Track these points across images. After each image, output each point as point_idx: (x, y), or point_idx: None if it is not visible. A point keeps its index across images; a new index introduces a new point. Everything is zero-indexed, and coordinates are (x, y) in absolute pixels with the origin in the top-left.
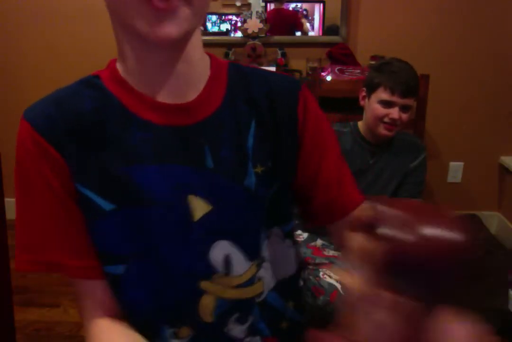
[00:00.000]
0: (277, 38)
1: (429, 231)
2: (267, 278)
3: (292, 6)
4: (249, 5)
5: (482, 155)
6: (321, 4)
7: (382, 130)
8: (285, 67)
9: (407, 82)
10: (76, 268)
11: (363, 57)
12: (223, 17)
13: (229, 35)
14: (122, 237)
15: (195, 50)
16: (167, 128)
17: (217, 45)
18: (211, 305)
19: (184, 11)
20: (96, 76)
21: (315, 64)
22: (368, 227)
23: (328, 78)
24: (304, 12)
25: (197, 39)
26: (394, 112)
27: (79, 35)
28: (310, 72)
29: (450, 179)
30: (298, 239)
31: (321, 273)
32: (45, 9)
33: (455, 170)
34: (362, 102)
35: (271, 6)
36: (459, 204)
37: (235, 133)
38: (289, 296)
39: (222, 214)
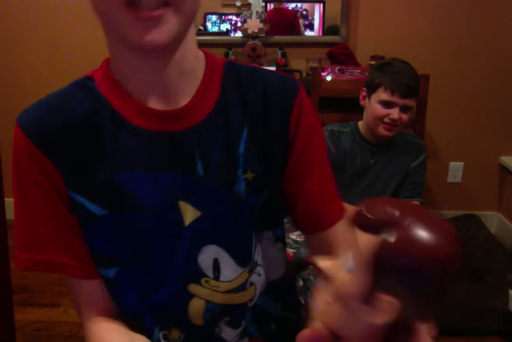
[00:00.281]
0: (277, 38)
1: (416, 232)
2: (259, 282)
3: (292, 6)
4: (249, 5)
5: (482, 155)
6: (321, 4)
7: (382, 130)
8: (285, 67)
9: (408, 82)
10: (75, 267)
11: (363, 57)
12: (223, 17)
13: (229, 35)
14: (114, 241)
15: (188, 54)
16: (158, 135)
17: (217, 45)
18: (201, 308)
19: (171, 19)
20: (90, 78)
21: (315, 64)
22: (360, 226)
23: (328, 78)
24: (304, 12)
25: (190, 41)
26: (394, 113)
27: (79, 35)
28: (310, 72)
29: (450, 179)
30: (299, 239)
31: None
32: (45, 9)
33: (455, 170)
34: (362, 102)
35: (271, 6)
36: (459, 204)
37: (227, 139)
38: (278, 297)
39: (211, 219)
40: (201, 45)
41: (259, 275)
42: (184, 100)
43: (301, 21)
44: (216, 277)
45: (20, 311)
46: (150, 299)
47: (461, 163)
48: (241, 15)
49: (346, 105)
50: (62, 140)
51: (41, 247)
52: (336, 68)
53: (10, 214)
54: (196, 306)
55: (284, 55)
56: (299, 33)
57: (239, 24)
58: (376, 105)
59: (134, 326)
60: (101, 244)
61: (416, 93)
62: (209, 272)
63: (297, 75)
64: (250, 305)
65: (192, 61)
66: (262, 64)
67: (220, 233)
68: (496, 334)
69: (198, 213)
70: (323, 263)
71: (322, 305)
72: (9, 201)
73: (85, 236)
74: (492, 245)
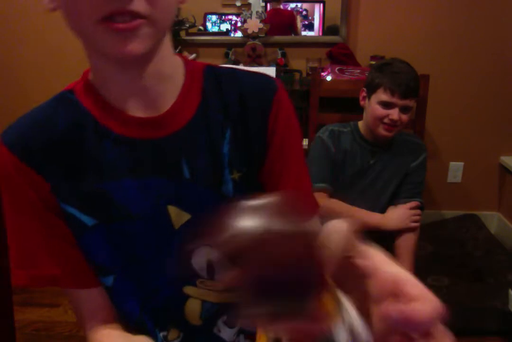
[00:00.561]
0: (277, 38)
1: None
2: None
3: (292, 6)
4: (249, 5)
5: (482, 155)
6: (321, 4)
7: (381, 130)
8: (285, 67)
9: (407, 83)
10: (71, 279)
11: (363, 57)
12: (223, 17)
13: (229, 35)
14: (107, 250)
15: (164, 61)
16: (141, 142)
17: (217, 45)
18: (197, 309)
19: (147, 29)
20: (70, 91)
21: (315, 64)
22: None
23: (328, 78)
24: (304, 12)
25: (165, 49)
26: (394, 113)
27: None
28: (310, 72)
29: (450, 179)
30: None
31: None
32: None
33: (455, 170)
34: (362, 103)
35: (270, 6)
36: (459, 204)
37: (210, 141)
38: None
39: (201, 221)
40: (201, 45)
41: None
42: (165, 107)
43: (300, 21)
44: (211, 277)
45: (20, 311)
46: (148, 304)
47: (461, 163)
48: (241, 15)
49: (346, 105)
50: (47, 152)
51: (37, 262)
52: (336, 68)
53: None
54: (192, 307)
55: (284, 55)
56: (297, 34)
57: (239, 24)
58: (376, 106)
59: (136, 331)
60: (96, 253)
61: (416, 94)
62: (204, 273)
63: (297, 75)
64: None
65: (169, 68)
66: (262, 64)
67: None
68: (496, 334)
69: (187, 216)
70: None
71: None
72: None
73: (80, 246)
74: (492, 245)
